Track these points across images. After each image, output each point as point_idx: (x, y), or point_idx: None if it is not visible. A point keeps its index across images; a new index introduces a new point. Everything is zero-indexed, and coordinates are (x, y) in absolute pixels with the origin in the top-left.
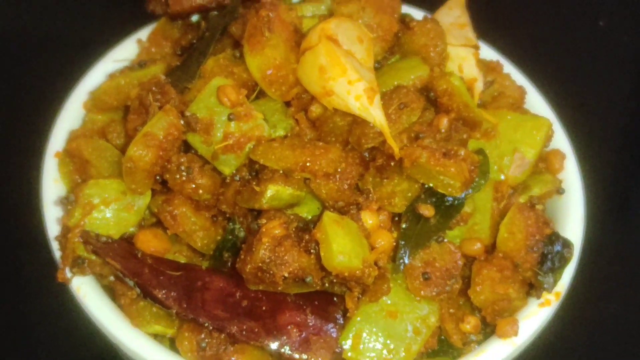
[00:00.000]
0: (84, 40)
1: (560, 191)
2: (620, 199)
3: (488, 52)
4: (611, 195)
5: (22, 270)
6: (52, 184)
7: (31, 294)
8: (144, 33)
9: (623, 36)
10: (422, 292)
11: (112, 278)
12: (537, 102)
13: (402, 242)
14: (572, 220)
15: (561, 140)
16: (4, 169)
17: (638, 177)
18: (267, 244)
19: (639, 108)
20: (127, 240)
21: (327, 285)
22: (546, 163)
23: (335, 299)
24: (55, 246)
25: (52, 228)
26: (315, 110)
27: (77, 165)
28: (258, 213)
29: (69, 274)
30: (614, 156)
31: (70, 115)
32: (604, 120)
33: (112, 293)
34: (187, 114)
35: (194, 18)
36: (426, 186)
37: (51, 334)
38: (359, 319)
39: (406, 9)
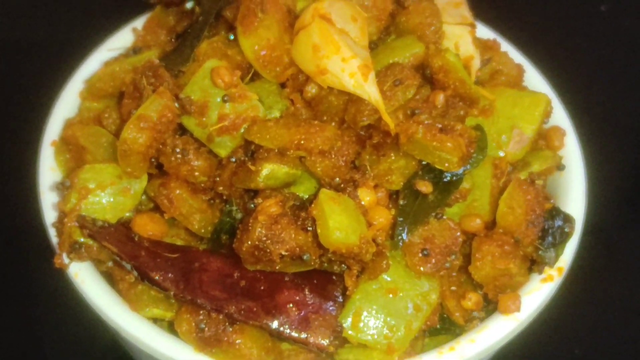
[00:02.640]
0: (80, 32)
1: (560, 167)
2: (622, 175)
3: (485, 31)
4: (613, 172)
5: (22, 258)
6: (49, 172)
7: (31, 282)
8: (139, 22)
9: (625, 20)
10: (421, 269)
11: (110, 263)
12: (535, 80)
13: (400, 219)
14: (573, 196)
15: (561, 117)
16: (2, 159)
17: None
18: (263, 222)
19: (638, 86)
20: (124, 225)
21: (325, 264)
22: (546, 140)
23: (334, 277)
24: (52, 232)
25: (49, 215)
26: (310, 90)
27: (73, 153)
28: (254, 194)
29: (66, 260)
30: (615, 132)
31: (67, 105)
32: (604, 97)
33: (110, 279)
34: (182, 96)
35: (189, 5)
36: (423, 162)
37: (53, 321)
38: (358, 296)
39: None
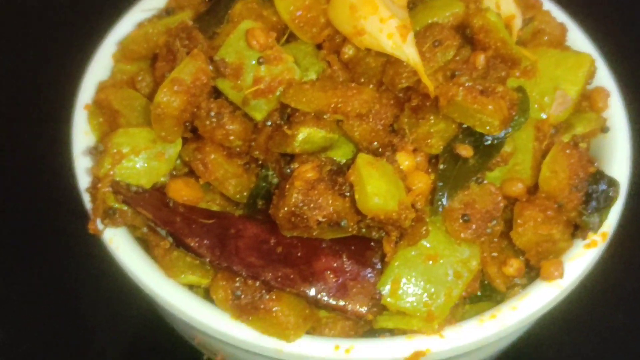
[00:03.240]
0: None
1: (604, 129)
2: None
3: None
4: None
5: (58, 223)
6: (82, 136)
7: (67, 247)
8: None
9: None
10: (462, 235)
11: (145, 229)
12: (579, 40)
13: (440, 184)
14: (618, 159)
15: (605, 78)
16: (36, 124)
17: None
18: (300, 188)
19: None
20: (159, 190)
21: (363, 230)
22: (589, 101)
23: (372, 243)
24: (86, 198)
25: (83, 179)
26: (347, 51)
27: (107, 117)
28: (291, 158)
29: (100, 226)
30: None
31: (100, 67)
32: None
33: (145, 245)
34: (216, 58)
35: None
36: (464, 126)
37: (90, 286)
38: (397, 263)
39: None
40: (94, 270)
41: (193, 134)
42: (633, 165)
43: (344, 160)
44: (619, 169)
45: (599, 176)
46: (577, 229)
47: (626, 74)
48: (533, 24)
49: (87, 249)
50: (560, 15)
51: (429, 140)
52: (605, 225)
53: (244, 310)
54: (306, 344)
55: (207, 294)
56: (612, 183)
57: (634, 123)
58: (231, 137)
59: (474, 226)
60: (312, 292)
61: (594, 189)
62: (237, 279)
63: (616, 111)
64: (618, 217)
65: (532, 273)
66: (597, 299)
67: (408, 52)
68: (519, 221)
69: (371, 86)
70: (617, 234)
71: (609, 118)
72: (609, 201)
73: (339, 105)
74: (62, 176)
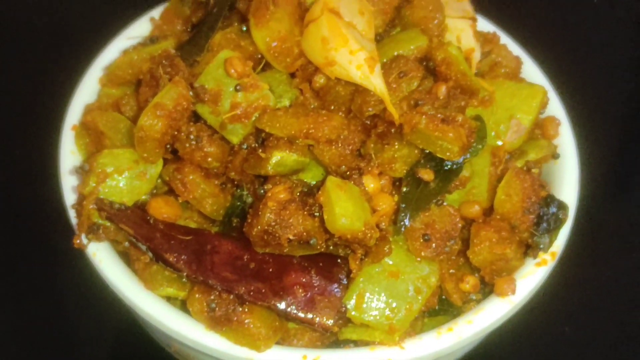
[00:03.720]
0: (100, 21)
1: (555, 156)
2: (614, 164)
3: (485, 25)
4: (605, 161)
5: (44, 238)
6: (69, 156)
7: (52, 260)
8: (156, 12)
9: (617, 12)
10: (422, 253)
11: (126, 244)
12: (532, 72)
13: (403, 205)
14: (567, 183)
15: (556, 108)
16: (25, 144)
17: (630, 141)
18: (272, 208)
19: (631, 78)
20: (140, 207)
21: (331, 247)
22: (542, 129)
23: (339, 260)
24: (72, 214)
25: (69, 197)
26: (318, 80)
27: (93, 137)
28: (264, 179)
29: (85, 240)
30: (608, 122)
31: (87, 90)
32: (598, 89)
33: (126, 258)
34: (196, 85)
35: None
36: (426, 151)
37: (71, 298)
38: (362, 279)
39: None
40: (78, 282)
41: (173, 155)
42: (580, 190)
43: (314, 182)
44: (568, 193)
45: (549, 200)
46: (529, 249)
47: (575, 105)
48: (491, 57)
49: (72, 262)
50: (515, 49)
51: (393, 165)
52: (555, 245)
53: (218, 322)
54: (275, 353)
55: (183, 306)
56: (562, 206)
57: (582, 150)
58: (209, 159)
59: (433, 245)
60: (282, 305)
61: (545, 212)
62: (212, 292)
63: (566, 139)
64: (566, 238)
65: (487, 289)
66: (545, 313)
67: (375, 82)
68: (475, 241)
69: (340, 113)
70: (564, 253)
71: (559, 145)
72: (558, 223)
73: (310, 131)
74: (50, 193)
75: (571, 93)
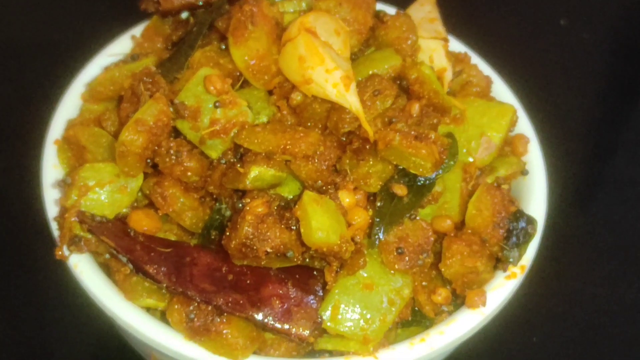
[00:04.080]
0: (82, 38)
1: (524, 172)
2: (580, 180)
3: (457, 45)
4: (572, 176)
5: (26, 250)
6: (51, 169)
7: (34, 271)
8: (137, 30)
9: (582, 33)
10: (396, 266)
11: (107, 256)
12: (502, 91)
13: (377, 220)
14: (536, 199)
15: (525, 126)
16: (8, 157)
17: (597, 158)
18: (250, 221)
19: (597, 97)
20: (121, 220)
21: (307, 260)
22: (511, 147)
23: (315, 272)
24: (54, 226)
25: (51, 209)
26: (295, 97)
27: (75, 152)
28: (243, 193)
29: (67, 252)
30: (575, 140)
31: (69, 106)
32: (565, 108)
33: (107, 270)
34: (176, 101)
35: (184, 15)
36: (399, 167)
37: (53, 308)
38: (337, 291)
39: (380, 6)
40: (59, 293)
41: (154, 170)
42: (548, 205)
43: (291, 197)
44: (537, 208)
45: (519, 215)
46: (499, 262)
47: (543, 122)
48: (462, 77)
49: (53, 273)
50: (486, 68)
51: (368, 180)
52: (524, 259)
53: (197, 332)
54: None
55: (163, 316)
56: (531, 221)
57: (549, 167)
58: (189, 173)
59: (407, 258)
60: (259, 316)
61: (515, 226)
62: (192, 303)
63: (535, 156)
64: (535, 252)
65: (458, 301)
66: (514, 323)
67: (351, 100)
68: (447, 254)
69: (317, 130)
70: (533, 268)
71: (528, 162)
72: (527, 237)
73: (288, 147)
74: (32, 206)
75: (538, 110)
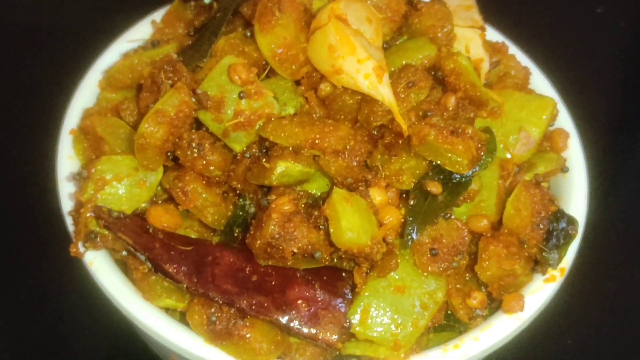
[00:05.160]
0: (100, 23)
1: (564, 169)
2: (619, 176)
3: (493, 34)
4: (612, 173)
5: (41, 244)
6: (66, 161)
7: (49, 268)
8: (158, 15)
9: (620, 22)
10: (429, 268)
11: (124, 253)
12: (541, 83)
13: (410, 219)
14: (576, 197)
15: (565, 120)
16: (23, 147)
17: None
18: (276, 220)
19: (635, 89)
20: (139, 216)
21: (335, 260)
22: (550, 142)
23: (343, 274)
24: (69, 221)
25: (66, 203)
26: (324, 88)
27: (91, 142)
28: (268, 189)
29: (82, 249)
30: (615, 135)
31: (86, 94)
32: (604, 100)
33: (124, 267)
34: (199, 91)
35: (207, 0)
36: (434, 163)
37: (68, 307)
38: (367, 293)
39: None
40: (74, 291)
41: (174, 163)
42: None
43: (319, 194)
44: (577, 207)
45: (559, 215)
46: (537, 264)
47: (584, 117)
48: (499, 67)
49: (68, 270)
50: (524, 59)
51: (400, 177)
52: (564, 261)
53: (218, 335)
54: None
55: (183, 318)
56: (572, 221)
57: (590, 164)
58: (211, 167)
59: (441, 260)
60: (284, 320)
61: (555, 227)
62: (213, 305)
63: (575, 152)
64: (575, 254)
65: (494, 305)
66: (549, 325)
67: (383, 92)
68: (483, 256)
69: (347, 123)
70: (573, 270)
71: (568, 158)
72: (568, 238)
73: (316, 141)
74: (47, 199)
75: (578, 104)
